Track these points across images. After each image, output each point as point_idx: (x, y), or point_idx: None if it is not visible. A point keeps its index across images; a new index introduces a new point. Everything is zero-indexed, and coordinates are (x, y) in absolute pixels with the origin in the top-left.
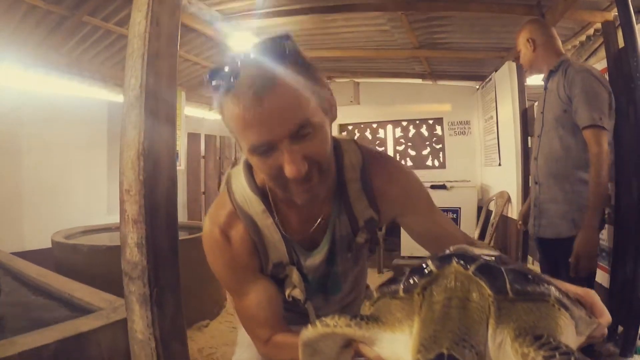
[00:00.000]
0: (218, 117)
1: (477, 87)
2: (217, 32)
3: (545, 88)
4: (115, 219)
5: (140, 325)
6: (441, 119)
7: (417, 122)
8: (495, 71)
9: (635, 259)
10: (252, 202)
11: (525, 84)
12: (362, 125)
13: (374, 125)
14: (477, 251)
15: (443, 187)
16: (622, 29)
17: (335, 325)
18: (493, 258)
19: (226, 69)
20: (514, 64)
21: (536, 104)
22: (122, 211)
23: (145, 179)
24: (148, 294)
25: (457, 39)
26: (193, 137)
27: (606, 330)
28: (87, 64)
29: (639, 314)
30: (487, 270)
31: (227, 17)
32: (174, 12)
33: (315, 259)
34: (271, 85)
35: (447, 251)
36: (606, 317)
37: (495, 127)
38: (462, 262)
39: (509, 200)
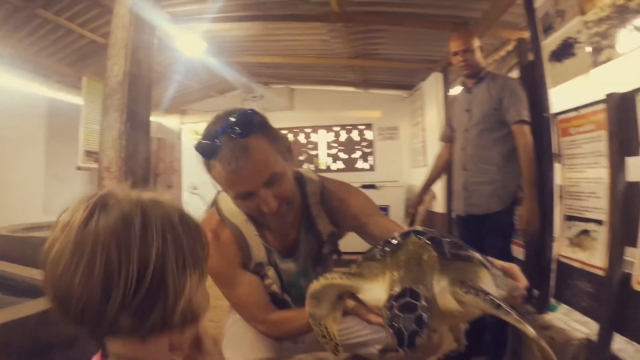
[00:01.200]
0: (158, 119)
1: (405, 95)
2: (167, 34)
3: (470, 92)
4: (52, 218)
5: None
6: (371, 124)
7: (349, 127)
8: (423, 81)
9: (543, 235)
10: (237, 214)
11: (448, 93)
12: (296, 130)
13: (308, 130)
14: (426, 230)
15: (373, 187)
16: (531, 44)
17: (332, 278)
18: (438, 234)
19: (211, 143)
20: (440, 75)
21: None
22: (101, 187)
23: (126, 157)
24: None
25: (390, 51)
26: None
27: (525, 292)
28: (32, 57)
29: (549, 278)
30: (434, 241)
31: (176, 20)
32: (155, 5)
33: (289, 266)
34: (245, 153)
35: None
36: (523, 282)
37: (422, 132)
38: (418, 235)
39: (434, 197)
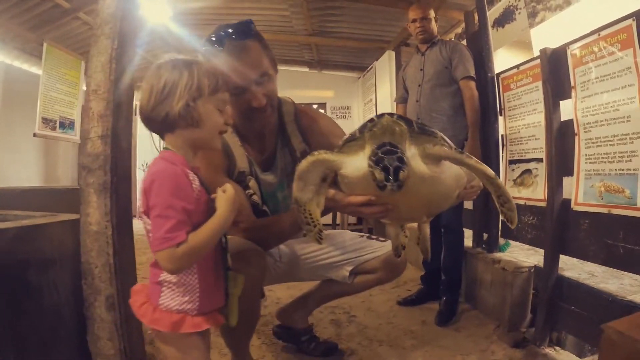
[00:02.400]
0: None
1: (358, 77)
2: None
3: (423, 54)
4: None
5: (96, 216)
6: (324, 104)
7: (303, 106)
8: (376, 60)
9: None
10: None
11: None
12: None
13: None
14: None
15: None
16: (477, 13)
17: (319, 154)
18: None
19: (216, 40)
20: (393, 53)
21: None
22: (87, 109)
23: (115, 79)
24: (109, 182)
25: (347, 29)
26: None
27: (481, 186)
28: None
29: (497, 223)
30: (403, 119)
31: None
32: None
33: (268, 178)
34: (244, 51)
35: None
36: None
37: (374, 108)
38: (390, 115)
39: None
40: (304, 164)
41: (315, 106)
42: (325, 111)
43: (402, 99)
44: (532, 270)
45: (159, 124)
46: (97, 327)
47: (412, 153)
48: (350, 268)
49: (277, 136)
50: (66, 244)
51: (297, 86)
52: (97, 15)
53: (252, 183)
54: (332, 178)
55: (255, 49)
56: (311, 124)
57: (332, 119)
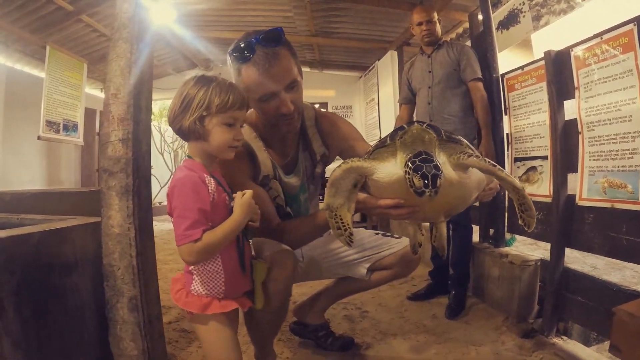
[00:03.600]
0: None
1: (359, 76)
2: (135, 3)
3: (429, 57)
4: (9, 188)
5: (118, 218)
6: (326, 103)
7: (322, 110)
8: (378, 60)
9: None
10: (247, 131)
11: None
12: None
13: None
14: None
15: None
16: (482, 16)
17: (352, 161)
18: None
19: (247, 50)
20: (395, 53)
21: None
22: (107, 113)
23: (134, 84)
24: (130, 185)
25: (349, 29)
26: (89, 113)
27: (498, 188)
28: None
29: (503, 219)
30: (432, 127)
31: None
32: None
33: (292, 180)
34: (276, 58)
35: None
36: (496, 183)
37: (377, 107)
38: (419, 123)
39: None
40: (337, 171)
41: (317, 105)
42: (327, 110)
43: (406, 99)
44: (539, 264)
45: (177, 133)
46: (119, 329)
47: (442, 160)
48: (367, 265)
49: (298, 140)
50: (87, 247)
51: None
52: (114, 20)
53: (275, 186)
54: (362, 183)
55: (285, 57)
56: (331, 128)
57: (352, 124)
